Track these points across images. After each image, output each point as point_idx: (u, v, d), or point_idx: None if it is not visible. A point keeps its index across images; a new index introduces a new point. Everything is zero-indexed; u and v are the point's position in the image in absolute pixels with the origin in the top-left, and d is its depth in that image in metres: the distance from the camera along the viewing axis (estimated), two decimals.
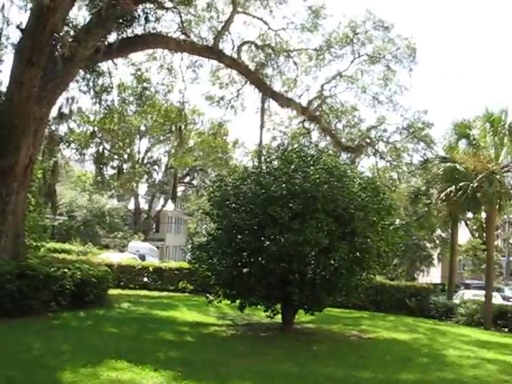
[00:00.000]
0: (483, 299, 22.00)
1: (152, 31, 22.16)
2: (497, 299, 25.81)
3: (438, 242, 51.26)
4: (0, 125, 16.48)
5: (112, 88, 25.72)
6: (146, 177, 57.59)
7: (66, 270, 15.96)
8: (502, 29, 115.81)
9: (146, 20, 21.63)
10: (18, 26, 17.24)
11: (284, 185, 13.92)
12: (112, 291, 19.75)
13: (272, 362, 10.78)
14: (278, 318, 15.28)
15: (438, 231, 47.38)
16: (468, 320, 21.44)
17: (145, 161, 56.13)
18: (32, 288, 14.27)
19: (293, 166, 14.51)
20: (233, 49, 26.99)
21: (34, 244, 21.51)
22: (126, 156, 47.33)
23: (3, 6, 17.76)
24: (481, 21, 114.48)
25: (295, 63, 30.41)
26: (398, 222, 24.28)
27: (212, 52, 24.57)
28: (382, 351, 13.41)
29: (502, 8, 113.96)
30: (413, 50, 31.11)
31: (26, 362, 9.13)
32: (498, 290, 38.16)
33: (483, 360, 12.93)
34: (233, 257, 14.20)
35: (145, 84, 27.79)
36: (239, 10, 26.37)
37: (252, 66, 28.36)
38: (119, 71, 42.54)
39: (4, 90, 17.78)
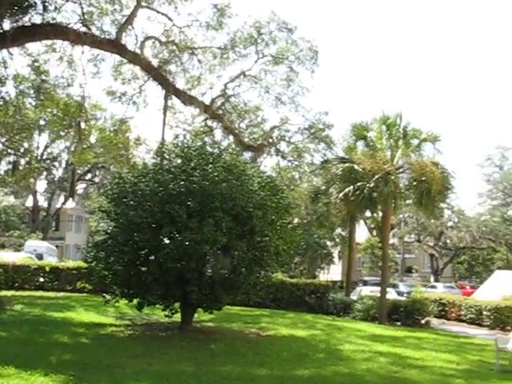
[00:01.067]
0: (379, 295, 22.83)
1: (51, 21, 21.33)
2: (392, 295, 26.91)
3: (338, 240, 52.71)
4: None
5: (7, 79, 24.58)
6: (45, 173, 55.44)
7: None
8: (399, 35, 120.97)
9: (44, 9, 20.74)
10: None
11: (182, 182, 13.80)
12: (4, 292, 18.93)
13: (169, 362, 10.67)
14: (178, 317, 15.16)
15: (338, 230, 48.74)
16: (364, 315, 22.17)
17: (44, 156, 54.01)
18: None
19: (192, 164, 14.40)
20: (136, 44, 26.51)
21: None
22: (22, 151, 45.44)
23: None
24: (380, 26, 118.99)
25: (199, 61, 30.30)
26: (297, 220, 24.80)
27: (114, 46, 23.99)
28: (280, 348, 13.60)
29: (399, 13, 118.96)
30: (315, 53, 31.76)
31: None
32: (394, 285, 39.87)
33: (376, 353, 13.42)
34: (130, 255, 13.93)
35: (43, 76, 26.75)
36: (143, 4, 25.87)
37: (155, 63, 28.00)
38: (15, 62, 40.70)
39: None
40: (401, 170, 23.57)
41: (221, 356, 11.87)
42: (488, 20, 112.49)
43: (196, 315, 15.93)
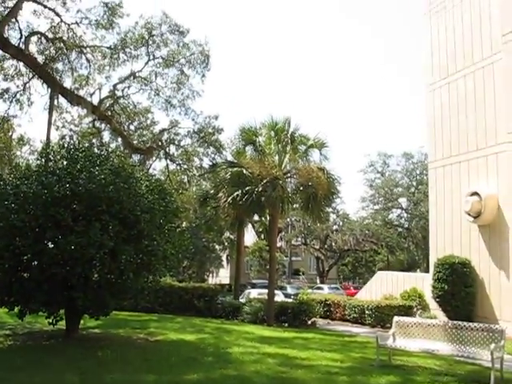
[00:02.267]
0: (267, 297, 23.19)
1: None
2: (279, 297, 27.46)
3: (226, 243, 53.09)
4: None
5: None
6: None
7: None
8: (292, 39, 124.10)
9: None
10: None
11: (68, 185, 13.32)
12: None
13: (53, 373, 10.27)
14: (63, 325, 14.62)
15: (227, 233, 49.13)
16: (253, 318, 22.42)
17: None
18: None
19: (78, 166, 13.97)
20: (21, 39, 25.40)
21: None
22: None
23: None
24: (272, 27, 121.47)
25: (88, 60, 29.56)
26: (185, 224, 24.72)
27: None
28: (169, 353, 13.47)
29: (296, 18, 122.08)
30: (206, 57, 31.97)
31: None
32: (281, 288, 40.79)
33: (264, 355, 13.60)
34: (11, 261, 13.23)
35: None
36: None
37: (41, 60, 26.96)
38: None
39: None
40: (288, 174, 24.05)
41: (108, 364, 11.57)
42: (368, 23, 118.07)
43: (82, 322, 15.43)
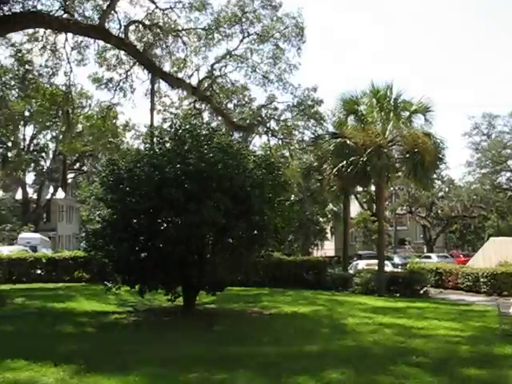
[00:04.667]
0: (376, 268, 22.94)
1: (32, 9, 21.00)
2: (388, 267, 27.07)
3: (330, 216, 52.81)
4: None
5: None
6: (33, 164, 54.97)
7: None
8: (390, 2, 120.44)
9: None
10: None
11: (178, 166, 13.69)
12: (3, 287, 18.82)
13: (176, 346, 10.65)
14: (180, 301, 15.14)
15: (330, 205, 48.84)
16: (363, 289, 22.26)
17: (31, 148, 53.52)
18: None
19: (186, 147, 14.29)
20: (120, 29, 26.16)
21: None
22: (10, 143, 45.03)
23: None
24: None
25: (184, 43, 29.96)
26: (292, 197, 24.80)
27: (98, 32, 23.66)
28: (285, 325, 13.63)
29: None
30: (301, 29, 31.50)
31: None
32: (388, 258, 40.10)
33: (380, 325, 13.49)
34: (129, 242, 13.83)
35: (27, 66, 26.35)
36: None
37: (140, 47, 27.66)
38: None
39: None
40: (392, 142, 23.53)
41: (227, 337, 11.87)
42: None
43: (197, 298, 15.90)
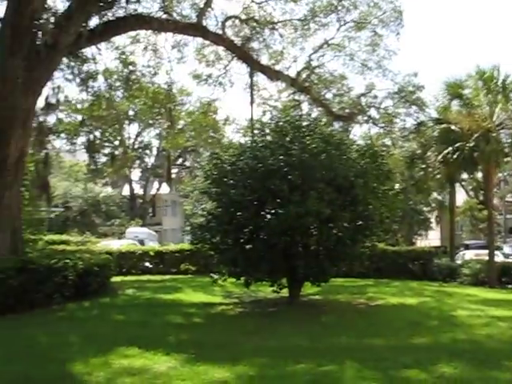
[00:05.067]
0: (485, 258, 22.00)
1: (133, 13, 21.75)
2: (498, 257, 25.87)
3: (434, 205, 51.20)
4: None
5: (97, 74, 25.40)
6: (138, 162, 57.20)
7: (67, 261, 15.85)
8: None
9: (127, 1, 21.21)
10: None
11: (281, 157, 13.71)
12: (115, 278, 19.65)
13: (283, 337, 10.66)
14: (285, 293, 15.18)
15: (434, 194, 47.34)
16: (472, 280, 21.44)
17: (136, 146, 55.69)
18: (34, 282, 14.14)
19: (288, 138, 14.29)
20: (217, 25, 26.55)
21: (32, 237, 21.27)
22: (116, 142, 47.04)
23: None
24: None
25: (281, 35, 29.95)
26: (396, 186, 24.22)
27: (196, 29, 24.14)
28: (392, 317, 13.38)
29: None
30: (399, 13, 30.65)
31: (35, 356, 9.00)
32: (498, 248, 38.27)
33: (493, 318, 12.91)
34: (235, 234, 14.04)
35: (130, 67, 27.36)
36: None
37: (237, 41, 27.93)
38: (103, 56, 42.14)
39: None
40: (501, 126, 22.42)
41: (333, 328, 11.77)
42: None
43: (302, 289, 15.88)
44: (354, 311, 14.65)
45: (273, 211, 13.37)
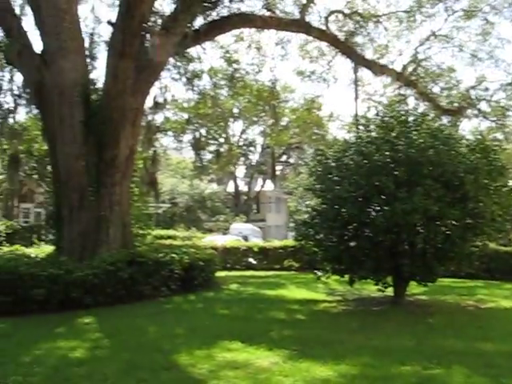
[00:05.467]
0: None
1: (237, 12, 22.06)
2: None
3: None
4: (100, 119, 16.95)
5: (203, 73, 26.01)
6: (243, 159, 58.10)
7: (173, 255, 16.38)
8: None
9: (231, 1, 21.58)
10: (108, 22, 17.64)
11: (387, 153, 13.37)
12: (219, 273, 20.00)
13: (387, 337, 10.38)
14: (390, 292, 14.80)
15: None
16: None
17: (240, 143, 56.56)
18: (142, 274, 14.73)
19: (394, 133, 13.92)
20: (320, 20, 26.38)
21: (141, 232, 22.13)
22: (222, 140, 48.01)
23: (93, 7, 18.29)
24: None
25: (385, 28, 29.30)
26: (510, 183, 22.94)
27: (299, 25, 24.13)
28: (503, 321, 12.71)
29: None
30: None
31: (142, 345, 9.33)
32: None
33: None
34: (339, 231, 13.84)
35: (234, 66, 27.79)
36: None
37: (341, 36, 27.61)
38: (208, 55, 43.11)
39: (101, 85, 18.29)
40: None
41: (440, 330, 11.30)
42: None
43: (407, 288, 15.42)
44: (462, 313, 14.03)
45: (378, 208, 13.08)
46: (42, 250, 19.55)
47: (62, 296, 13.11)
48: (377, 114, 15.57)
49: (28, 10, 18.99)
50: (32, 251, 18.54)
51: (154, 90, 21.23)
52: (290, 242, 25.48)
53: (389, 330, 11.18)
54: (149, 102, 21.04)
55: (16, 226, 28.80)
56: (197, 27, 20.35)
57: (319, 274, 15.12)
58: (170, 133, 34.09)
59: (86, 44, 19.16)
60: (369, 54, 29.06)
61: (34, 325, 11.67)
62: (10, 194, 28.42)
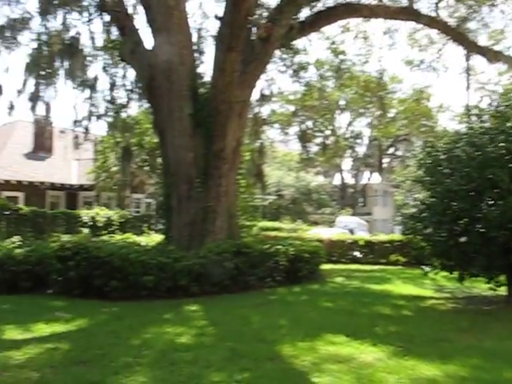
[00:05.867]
0: None
1: (343, 1, 21.74)
2: None
3: None
4: (207, 112, 17.37)
5: (309, 65, 25.91)
6: (349, 151, 57.48)
7: (279, 247, 16.50)
8: None
9: None
10: (216, 16, 17.98)
11: (502, 144, 12.66)
12: (323, 266, 19.92)
13: (499, 338, 9.83)
14: (503, 291, 14.08)
15: None
16: None
17: (347, 135, 55.95)
18: (248, 265, 14.95)
19: (510, 124, 13.16)
20: (429, 7, 25.43)
21: (247, 223, 22.46)
22: (328, 132, 47.73)
23: (200, 3, 18.70)
24: None
25: (502, 12, 27.73)
26: None
27: (408, 13, 23.36)
28: None
29: None
30: None
31: (246, 334, 9.44)
32: None
33: None
34: (449, 225, 13.29)
35: (341, 57, 27.47)
36: None
37: (452, 23, 26.48)
38: (314, 47, 42.94)
39: (208, 79, 18.71)
40: None
41: None
42: None
43: None
44: None
45: (491, 202, 12.43)
46: (152, 238, 20.41)
47: (170, 283, 13.62)
48: (490, 104, 14.80)
49: (139, 9, 19.79)
50: (142, 239, 19.41)
51: (261, 83, 21.43)
52: (396, 236, 24.96)
53: (501, 331, 10.61)
54: (255, 95, 21.28)
55: (128, 215, 30.17)
56: (302, 19, 20.27)
57: (427, 269, 14.66)
58: (276, 125, 34.32)
59: (194, 39, 19.67)
60: (482, 41, 27.79)
61: (143, 310, 12.23)
62: (122, 184, 29.74)
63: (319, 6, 21.18)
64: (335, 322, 10.59)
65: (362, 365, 7.63)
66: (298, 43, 22.99)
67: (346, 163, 61.28)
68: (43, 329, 9.89)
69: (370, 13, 22.56)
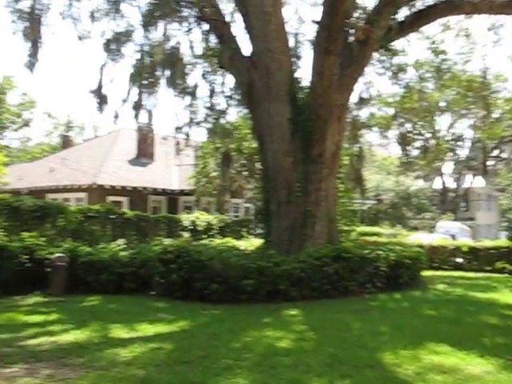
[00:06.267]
0: None
1: None
2: None
3: None
4: (306, 116, 17.38)
5: (408, 66, 25.34)
6: (450, 154, 55.61)
7: (379, 252, 16.29)
8: None
9: None
10: (313, 20, 18.01)
11: None
12: (425, 272, 19.38)
13: None
14: None
15: None
16: None
17: (448, 137, 54.14)
18: (348, 270, 14.86)
19: None
20: None
21: (346, 228, 22.25)
22: (428, 134, 46.41)
23: (296, 8, 18.75)
24: None
25: None
26: None
27: None
28: None
29: None
30: None
31: (346, 340, 9.35)
32: None
33: None
34: None
35: (441, 56, 26.64)
36: None
37: None
38: (412, 48, 41.91)
39: (306, 84, 18.73)
40: None
41: None
42: None
43: None
44: None
45: None
46: (251, 242, 20.65)
47: (270, 287, 13.74)
48: None
49: (236, 16, 20.14)
50: (242, 244, 19.68)
51: (359, 86, 21.19)
52: (502, 242, 23.92)
53: None
54: (353, 98, 21.06)
55: (227, 219, 30.67)
56: (401, 19, 19.83)
57: None
58: (375, 128, 33.76)
59: (291, 44, 19.75)
60: None
61: (243, 313, 12.40)
62: (222, 189, 30.28)
63: (418, 5, 20.60)
64: (438, 331, 10.26)
65: (468, 377, 7.34)
66: (397, 44, 22.50)
67: (447, 167, 59.31)
68: (147, 329, 10.28)
69: (472, 9, 21.67)
